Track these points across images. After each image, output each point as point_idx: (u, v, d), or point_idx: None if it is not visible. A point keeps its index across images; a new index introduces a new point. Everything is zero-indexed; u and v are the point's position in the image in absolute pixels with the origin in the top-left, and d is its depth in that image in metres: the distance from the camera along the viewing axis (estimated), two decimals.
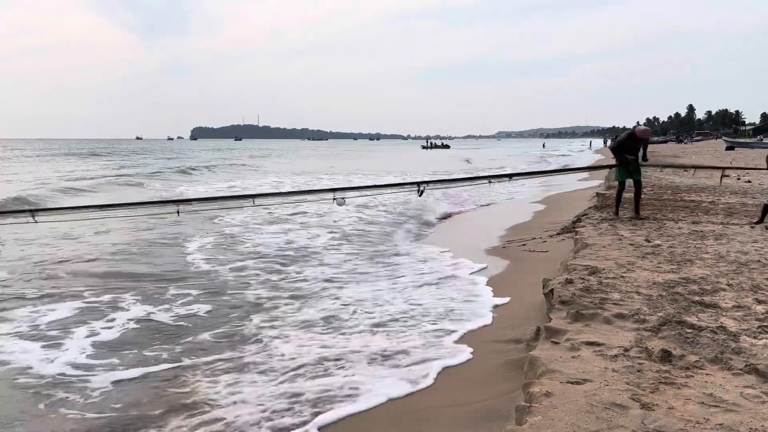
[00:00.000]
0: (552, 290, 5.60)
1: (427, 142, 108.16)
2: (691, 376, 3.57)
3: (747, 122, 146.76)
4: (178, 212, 6.98)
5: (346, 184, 22.79)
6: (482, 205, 16.60)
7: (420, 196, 7.99)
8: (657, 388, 3.39)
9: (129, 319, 6.14)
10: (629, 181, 10.29)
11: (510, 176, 9.91)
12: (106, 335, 5.69)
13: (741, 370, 3.63)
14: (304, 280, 7.87)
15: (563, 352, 4.01)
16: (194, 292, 7.24)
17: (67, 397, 4.36)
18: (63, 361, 5.04)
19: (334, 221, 13.00)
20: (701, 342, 4.07)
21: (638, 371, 3.62)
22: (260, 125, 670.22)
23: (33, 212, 6.96)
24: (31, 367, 4.90)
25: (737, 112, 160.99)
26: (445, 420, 3.88)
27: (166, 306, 6.65)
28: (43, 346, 5.38)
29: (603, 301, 5.08)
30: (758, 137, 69.39)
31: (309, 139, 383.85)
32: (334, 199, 7.47)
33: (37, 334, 5.70)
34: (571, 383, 3.48)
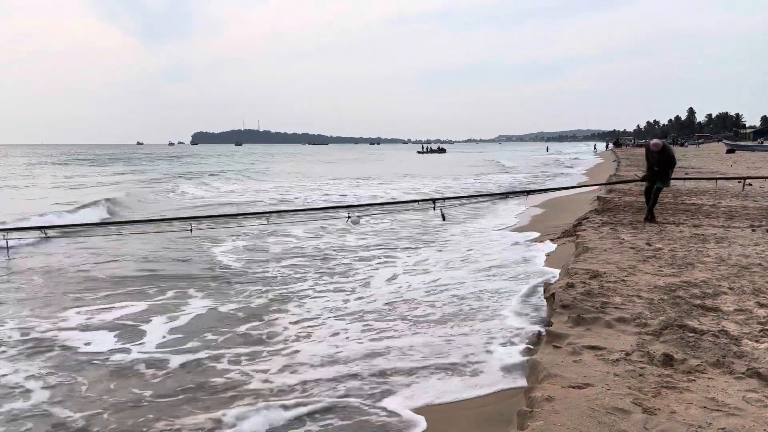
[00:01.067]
0: (553, 294, 5.60)
1: (422, 147, 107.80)
2: (693, 380, 3.56)
3: (747, 125, 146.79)
4: (191, 230, 7.20)
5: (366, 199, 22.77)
6: (480, 210, 16.57)
7: (444, 220, 8.00)
8: (659, 392, 3.38)
9: (202, 306, 6.73)
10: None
11: (528, 193, 9.89)
12: (183, 321, 6.25)
13: (743, 373, 3.62)
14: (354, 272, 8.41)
15: (565, 357, 4.01)
16: (252, 287, 7.66)
17: (152, 374, 4.80)
18: (148, 345, 5.51)
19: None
20: (703, 346, 4.06)
21: (640, 375, 3.61)
22: (261, 130, 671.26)
23: (44, 228, 6.99)
24: (121, 351, 5.35)
25: (737, 115, 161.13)
26: (446, 425, 3.87)
27: (238, 298, 7.12)
28: (128, 334, 5.82)
29: (604, 305, 5.07)
30: (758, 140, 69.43)
31: (310, 143, 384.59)
32: (348, 217, 7.52)
33: (119, 325, 6.10)
34: (573, 388, 3.48)
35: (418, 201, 8.95)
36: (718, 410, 3.15)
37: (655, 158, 10.46)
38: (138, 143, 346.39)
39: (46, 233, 6.79)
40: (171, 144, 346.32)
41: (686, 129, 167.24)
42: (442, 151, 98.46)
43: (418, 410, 4.03)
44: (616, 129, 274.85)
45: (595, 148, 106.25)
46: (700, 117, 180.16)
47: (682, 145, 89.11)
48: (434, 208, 7.91)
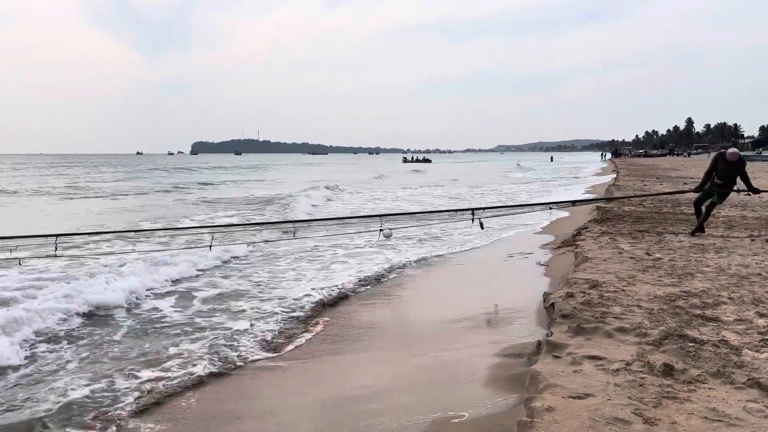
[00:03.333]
0: (553, 304, 5.60)
1: (406, 157, 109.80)
2: (694, 390, 3.55)
3: (746, 135, 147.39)
4: (210, 247, 7.36)
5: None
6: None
7: (482, 228, 7.89)
8: (659, 402, 3.37)
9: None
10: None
11: (573, 203, 9.79)
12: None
13: (743, 383, 3.61)
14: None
15: (565, 367, 4.00)
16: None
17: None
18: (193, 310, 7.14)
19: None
20: (703, 356, 4.06)
21: (640, 385, 3.60)
22: (260, 140, 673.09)
23: (56, 237, 6.97)
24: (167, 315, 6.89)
25: (736, 125, 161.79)
26: None
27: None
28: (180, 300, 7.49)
29: (604, 314, 5.07)
30: (757, 150, 69.63)
31: (310, 153, 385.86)
32: (380, 230, 7.38)
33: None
34: (573, 398, 3.47)
35: (457, 210, 8.77)
36: (718, 420, 3.14)
37: (726, 169, 9.39)
38: (138, 153, 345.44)
39: (56, 242, 6.80)
40: (170, 154, 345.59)
41: (684, 139, 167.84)
42: (427, 161, 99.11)
43: None
44: (615, 139, 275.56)
45: (601, 156, 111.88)
46: (699, 127, 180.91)
47: (687, 155, 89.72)
48: (473, 220, 7.80)
